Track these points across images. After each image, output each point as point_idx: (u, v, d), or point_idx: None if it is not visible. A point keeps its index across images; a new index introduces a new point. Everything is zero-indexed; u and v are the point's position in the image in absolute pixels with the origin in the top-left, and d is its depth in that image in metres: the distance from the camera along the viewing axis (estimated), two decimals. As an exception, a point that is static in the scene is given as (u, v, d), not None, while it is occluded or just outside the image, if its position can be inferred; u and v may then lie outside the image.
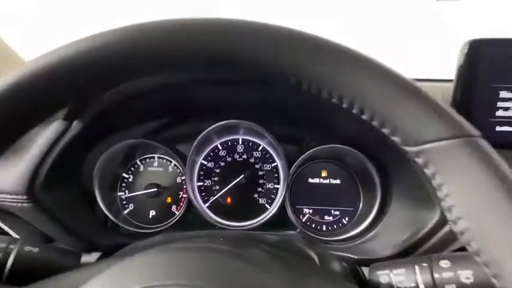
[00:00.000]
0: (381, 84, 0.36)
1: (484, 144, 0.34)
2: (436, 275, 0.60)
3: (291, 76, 0.38)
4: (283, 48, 0.37)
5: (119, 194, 1.08)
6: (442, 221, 0.74)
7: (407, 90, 0.36)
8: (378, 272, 0.66)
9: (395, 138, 0.38)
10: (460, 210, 0.33)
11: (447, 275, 0.59)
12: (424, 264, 0.63)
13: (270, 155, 1.08)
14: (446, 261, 0.61)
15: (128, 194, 1.09)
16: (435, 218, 0.75)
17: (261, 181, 1.08)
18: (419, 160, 0.36)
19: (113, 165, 1.04)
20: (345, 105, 0.39)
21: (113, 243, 0.89)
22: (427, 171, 0.36)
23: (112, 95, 0.83)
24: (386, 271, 0.66)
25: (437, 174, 0.35)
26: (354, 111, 0.39)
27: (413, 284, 0.62)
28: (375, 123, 0.38)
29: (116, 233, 1.00)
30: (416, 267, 0.63)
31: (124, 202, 1.09)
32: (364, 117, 0.39)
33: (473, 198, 0.32)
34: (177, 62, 0.39)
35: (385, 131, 0.38)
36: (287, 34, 0.38)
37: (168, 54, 0.38)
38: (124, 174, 1.09)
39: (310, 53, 0.37)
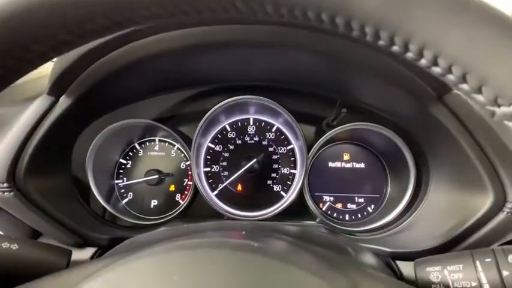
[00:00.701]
0: (466, 22, 0.25)
1: None
2: (505, 273, 0.49)
3: (339, 16, 0.28)
4: None
5: (116, 181, 0.97)
6: (497, 207, 0.63)
7: (503, 26, 0.25)
8: (428, 269, 0.56)
9: (478, 97, 0.27)
10: None
11: (521, 272, 0.49)
12: (488, 259, 0.52)
13: (285, 136, 0.97)
14: (518, 255, 0.50)
15: (127, 181, 0.97)
16: (488, 203, 0.63)
17: (276, 166, 0.97)
18: None
19: (109, 149, 0.93)
20: (410, 54, 0.29)
21: (110, 237, 0.78)
22: None
23: (104, 64, 0.71)
24: (438, 267, 0.55)
25: None
26: (423, 61, 0.29)
27: (474, 283, 0.51)
28: (451, 77, 0.28)
29: (113, 226, 0.88)
30: (478, 262, 0.52)
31: (122, 191, 0.97)
32: (437, 69, 0.28)
33: None
34: None
35: (464, 87, 0.28)
36: None
37: None
38: (121, 160, 0.98)
39: None
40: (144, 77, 0.81)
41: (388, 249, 0.73)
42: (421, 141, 0.80)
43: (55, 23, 0.30)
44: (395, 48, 0.29)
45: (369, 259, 0.61)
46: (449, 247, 0.68)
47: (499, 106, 0.27)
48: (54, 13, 0.29)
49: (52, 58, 0.35)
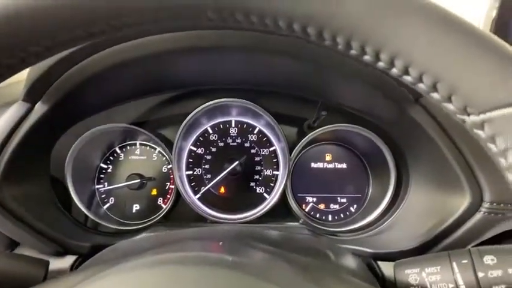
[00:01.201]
0: (436, 33, 0.26)
1: None
2: (480, 274, 0.50)
3: (310, 26, 0.29)
4: None
5: (97, 187, 0.95)
6: (474, 207, 0.64)
7: (471, 37, 0.26)
8: (407, 271, 0.56)
9: (449, 105, 0.28)
10: None
11: (495, 273, 0.50)
12: (464, 261, 0.53)
13: (268, 138, 0.97)
14: (492, 256, 0.51)
15: (108, 186, 0.96)
16: (465, 203, 0.65)
17: (258, 167, 0.97)
18: (483, 132, 0.27)
19: (88, 154, 0.91)
20: (381, 64, 0.30)
21: (91, 245, 0.77)
22: (494, 147, 0.27)
23: (82, 71, 0.69)
24: (417, 269, 0.56)
25: (510, 150, 0.26)
26: (394, 71, 0.29)
27: (451, 285, 0.52)
28: (421, 86, 0.29)
29: (94, 232, 0.87)
30: (455, 264, 0.53)
31: (103, 196, 0.96)
32: (408, 78, 0.29)
33: None
34: None
35: (435, 96, 0.29)
36: None
37: None
38: (102, 165, 0.96)
39: None
40: (122, 81, 0.80)
41: (369, 250, 0.73)
42: (401, 143, 0.81)
43: (27, 36, 0.29)
44: (366, 57, 0.30)
45: (350, 263, 0.62)
46: (428, 247, 0.69)
47: (468, 115, 0.28)
48: (27, 26, 0.29)
49: (20, 70, 0.34)
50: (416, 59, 0.27)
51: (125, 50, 0.67)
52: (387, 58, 0.28)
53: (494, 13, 0.68)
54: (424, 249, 0.69)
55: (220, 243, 0.46)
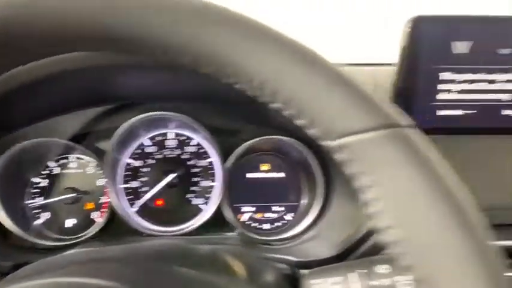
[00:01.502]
0: (297, 65, 0.29)
1: (417, 135, 0.28)
2: (374, 283, 0.53)
3: (189, 55, 0.30)
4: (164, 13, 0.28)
5: (28, 202, 0.93)
6: None
7: (326, 71, 0.29)
8: (312, 281, 0.58)
9: (314, 131, 0.31)
10: (389, 217, 0.27)
11: (386, 282, 0.52)
12: (364, 270, 0.55)
13: (205, 149, 0.97)
14: (388, 265, 0.54)
15: (41, 201, 0.94)
16: None
17: (196, 179, 0.97)
18: (341, 157, 0.30)
19: (18, 168, 0.89)
20: (255, 91, 0.32)
21: (14, 263, 0.75)
22: (350, 170, 0.30)
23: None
24: (320, 280, 0.58)
25: (362, 174, 0.29)
26: (266, 98, 0.31)
27: (351, 295, 0.54)
28: (290, 112, 0.31)
29: (24, 250, 0.85)
30: (355, 274, 0.55)
31: (37, 212, 0.94)
32: (278, 105, 0.31)
33: (405, 202, 0.27)
34: None
35: (302, 123, 0.31)
36: None
37: None
38: (34, 179, 0.94)
39: (202, 21, 0.29)
40: (53, 94, 0.79)
41: (294, 259, 0.75)
42: (326, 156, 0.84)
43: None
44: (241, 85, 0.31)
45: (269, 277, 0.63)
46: (343, 257, 0.71)
47: (328, 140, 0.30)
48: None
49: None
50: (280, 91, 0.29)
51: (55, 63, 0.67)
52: (257, 84, 0.30)
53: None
54: (343, 258, 0.71)
55: (117, 265, 0.46)
